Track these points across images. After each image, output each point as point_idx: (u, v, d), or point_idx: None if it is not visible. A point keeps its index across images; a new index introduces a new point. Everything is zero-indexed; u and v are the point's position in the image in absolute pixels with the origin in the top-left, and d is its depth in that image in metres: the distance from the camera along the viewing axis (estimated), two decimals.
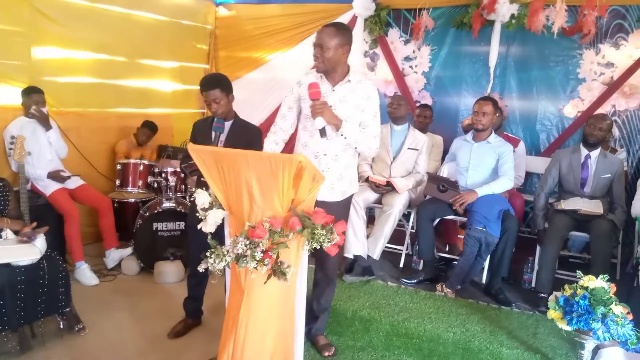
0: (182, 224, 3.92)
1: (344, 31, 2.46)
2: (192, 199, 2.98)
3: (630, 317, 2.10)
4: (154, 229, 3.89)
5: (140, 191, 4.30)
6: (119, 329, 3.03)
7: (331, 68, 2.47)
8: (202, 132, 2.92)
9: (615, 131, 4.31)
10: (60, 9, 4.12)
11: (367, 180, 3.72)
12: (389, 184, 3.62)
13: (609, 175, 3.43)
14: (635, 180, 4.10)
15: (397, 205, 3.48)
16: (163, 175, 4.10)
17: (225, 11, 5.80)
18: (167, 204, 3.93)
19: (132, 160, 4.32)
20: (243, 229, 1.95)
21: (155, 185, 4.17)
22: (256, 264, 1.88)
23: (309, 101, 2.46)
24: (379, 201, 3.72)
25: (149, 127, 4.70)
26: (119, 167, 4.30)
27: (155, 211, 3.89)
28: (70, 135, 4.21)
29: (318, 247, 1.97)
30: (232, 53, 5.85)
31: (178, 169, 4.14)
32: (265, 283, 1.96)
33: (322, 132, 2.41)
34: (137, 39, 4.88)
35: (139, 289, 3.65)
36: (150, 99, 5.22)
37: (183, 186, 4.28)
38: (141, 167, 4.27)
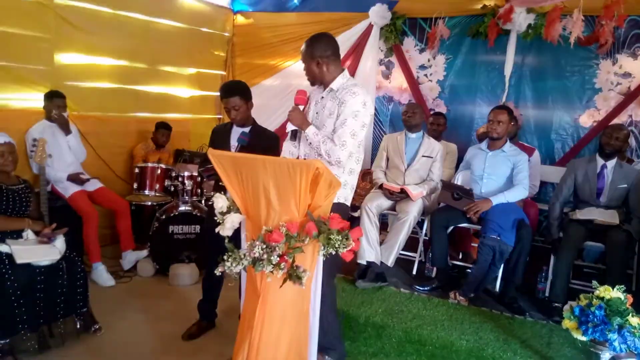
0: (198, 228, 3.97)
1: (315, 44, 2.44)
2: (209, 203, 3.04)
3: None
4: (170, 231, 3.94)
5: (157, 194, 4.36)
6: (134, 330, 3.08)
7: (312, 79, 2.52)
8: (220, 138, 2.97)
9: (632, 141, 4.28)
10: (83, 16, 4.22)
11: (381, 187, 3.74)
12: (402, 191, 3.64)
13: (626, 185, 3.40)
14: None
15: (412, 212, 3.49)
16: (180, 179, 4.16)
17: (242, 19, 5.89)
18: (183, 208, 3.98)
19: (149, 164, 4.39)
20: (260, 233, 1.98)
21: (172, 188, 4.23)
22: (272, 267, 1.91)
23: (315, 111, 2.54)
24: (392, 208, 3.73)
25: (165, 127, 4.78)
26: (136, 170, 4.38)
27: (172, 214, 3.94)
28: (89, 138, 4.30)
29: (334, 252, 1.99)
30: (249, 60, 5.93)
31: (194, 173, 4.20)
32: (281, 287, 1.98)
33: (292, 135, 2.52)
34: (156, 46, 4.98)
35: (154, 291, 3.70)
36: (169, 104, 5.31)
37: (199, 190, 4.34)
38: (158, 171, 4.34)
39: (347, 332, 2.98)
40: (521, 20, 4.43)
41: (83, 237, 3.72)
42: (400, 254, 3.66)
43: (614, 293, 2.14)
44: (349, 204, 2.55)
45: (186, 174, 4.20)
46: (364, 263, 3.45)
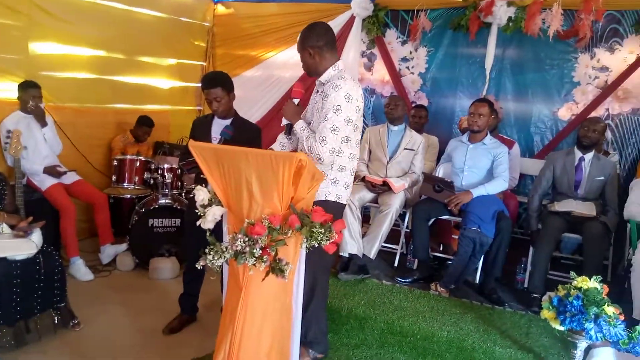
0: (178, 221, 3.92)
1: (309, 33, 2.38)
2: (189, 195, 3.00)
3: (622, 317, 2.14)
4: (150, 225, 3.89)
5: (137, 187, 4.31)
6: (113, 325, 3.04)
7: (307, 69, 2.45)
8: (201, 130, 2.94)
9: (608, 134, 4.36)
10: (59, 4, 4.12)
11: (363, 179, 3.74)
12: (385, 183, 3.65)
13: (602, 177, 3.47)
14: (628, 183, 4.14)
15: (394, 204, 3.51)
16: (159, 171, 4.11)
17: (223, 9, 5.81)
18: (163, 201, 3.93)
19: (128, 157, 4.33)
20: (242, 225, 1.97)
21: (152, 181, 4.18)
22: (255, 260, 1.90)
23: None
24: (374, 200, 3.74)
25: (147, 124, 4.70)
26: (115, 163, 4.31)
27: (151, 207, 3.89)
28: (66, 130, 4.21)
29: (316, 244, 1.99)
30: (229, 51, 5.86)
31: (174, 166, 4.15)
32: (264, 280, 1.97)
33: (286, 130, 2.49)
34: (135, 36, 4.89)
35: (134, 285, 3.65)
36: (148, 95, 5.22)
37: (179, 183, 4.30)
38: (137, 164, 4.28)
39: (329, 324, 2.97)
40: (502, 13, 4.47)
41: (60, 231, 3.66)
42: (382, 246, 3.67)
43: (591, 283, 2.19)
44: (344, 202, 2.46)
45: (166, 166, 4.15)
46: (346, 255, 3.45)
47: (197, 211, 2.14)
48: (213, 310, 3.19)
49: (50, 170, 3.71)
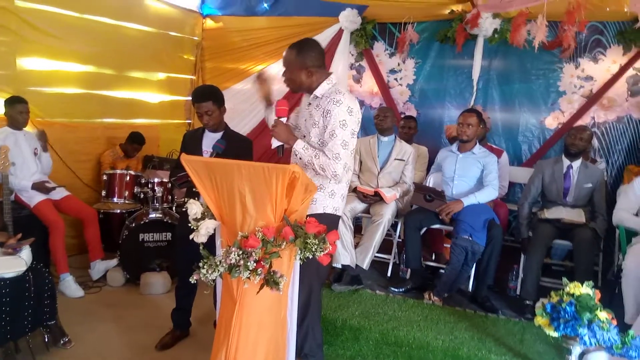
0: (169, 235, 3.90)
1: (305, 53, 2.31)
2: (180, 209, 2.97)
3: (615, 322, 2.16)
4: (140, 239, 3.86)
5: (127, 202, 4.27)
6: (105, 342, 2.99)
7: (297, 88, 2.40)
8: (192, 143, 2.93)
9: (595, 142, 4.43)
10: (47, 19, 4.11)
11: (355, 190, 3.76)
12: (376, 194, 3.66)
13: (590, 185, 3.52)
14: (615, 189, 4.22)
15: (386, 214, 3.52)
16: (149, 185, 4.08)
17: (212, 23, 5.84)
18: (153, 215, 3.91)
19: (118, 171, 4.30)
20: (236, 238, 1.96)
21: (142, 196, 4.15)
22: (249, 273, 1.89)
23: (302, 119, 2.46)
24: (366, 211, 3.76)
25: (138, 142, 4.69)
26: (104, 177, 4.27)
27: (142, 222, 3.86)
28: (55, 146, 4.18)
29: (311, 256, 1.99)
30: (218, 64, 5.88)
31: (165, 180, 4.12)
32: (258, 293, 1.96)
33: (279, 150, 2.39)
34: (124, 50, 4.89)
35: (125, 301, 3.61)
36: (137, 109, 5.22)
37: (170, 197, 4.27)
38: (127, 178, 4.25)
39: (324, 336, 2.95)
40: (487, 25, 4.55)
41: (50, 248, 3.61)
42: (375, 256, 3.67)
43: (584, 289, 2.21)
44: (340, 214, 2.46)
45: (156, 180, 4.13)
46: (339, 267, 3.45)
47: (190, 225, 2.13)
48: (206, 325, 3.16)
49: (39, 186, 3.67)
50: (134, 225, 3.86)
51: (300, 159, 2.33)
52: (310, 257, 1.99)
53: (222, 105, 2.85)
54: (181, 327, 3.05)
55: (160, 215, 3.91)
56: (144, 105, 5.30)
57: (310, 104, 2.41)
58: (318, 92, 2.35)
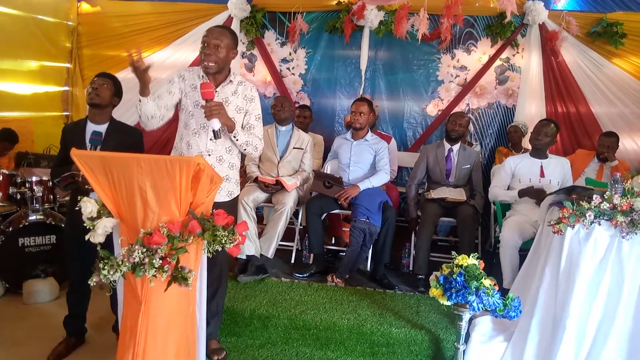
0: (54, 238, 3.58)
1: (234, 36, 2.54)
2: (64, 210, 2.74)
3: (497, 287, 2.43)
4: (20, 244, 3.50)
5: (1, 204, 3.82)
6: None
7: (220, 69, 2.49)
8: (74, 137, 2.71)
9: (471, 127, 4.89)
10: None
11: (256, 180, 3.75)
12: (278, 183, 3.69)
13: (469, 166, 3.88)
14: (489, 169, 4.70)
15: (288, 203, 3.56)
16: (27, 185, 3.68)
17: (88, 7, 5.39)
18: (34, 217, 3.56)
19: None
20: (138, 236, 1.88)
21: (18, 196, 3.74)
22: (155, 271, 1.83)
23: (196, 99, 2.48)
24: (268, 200, 3.77)
25: (9, 140, 4.21)
26: None
27: (21, 225, 3.50)
28: None
29: (220, 248, 1.97)
30: (98, 51, 5.46)
31: (45, 178, 3.75)
32: (166, 290, 1.90)
33: (216, 134, 2.36)
34: None
35: (6, 313, 3.26)
36: (5, 101, 4.67)
37: (51, 196, 3.90)
38: (0, 178, 3.80)
39: (232, 327, 2.96)
40: (373, 17, 4.77)
41: None
42: (279, 244, 3.72)
43: (470, 260, 2.45)
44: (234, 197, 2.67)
45: (34, 179, 3.73)
46: (244, 258, 3.44)
47: (85, 225, 1.99)
48: (103, 331, 2.96)
49: None
50: (11, 229, 3.48)
51: (237, 140, 2.50)
52: (220, 249, 1.97)
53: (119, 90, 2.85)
54: (76, 334, 2.85)
55: (42, 217, 3.57)
56: (13, 96, 4.77)
57: (217, 91, 2.48)
58: (235, 78, 2.58)
